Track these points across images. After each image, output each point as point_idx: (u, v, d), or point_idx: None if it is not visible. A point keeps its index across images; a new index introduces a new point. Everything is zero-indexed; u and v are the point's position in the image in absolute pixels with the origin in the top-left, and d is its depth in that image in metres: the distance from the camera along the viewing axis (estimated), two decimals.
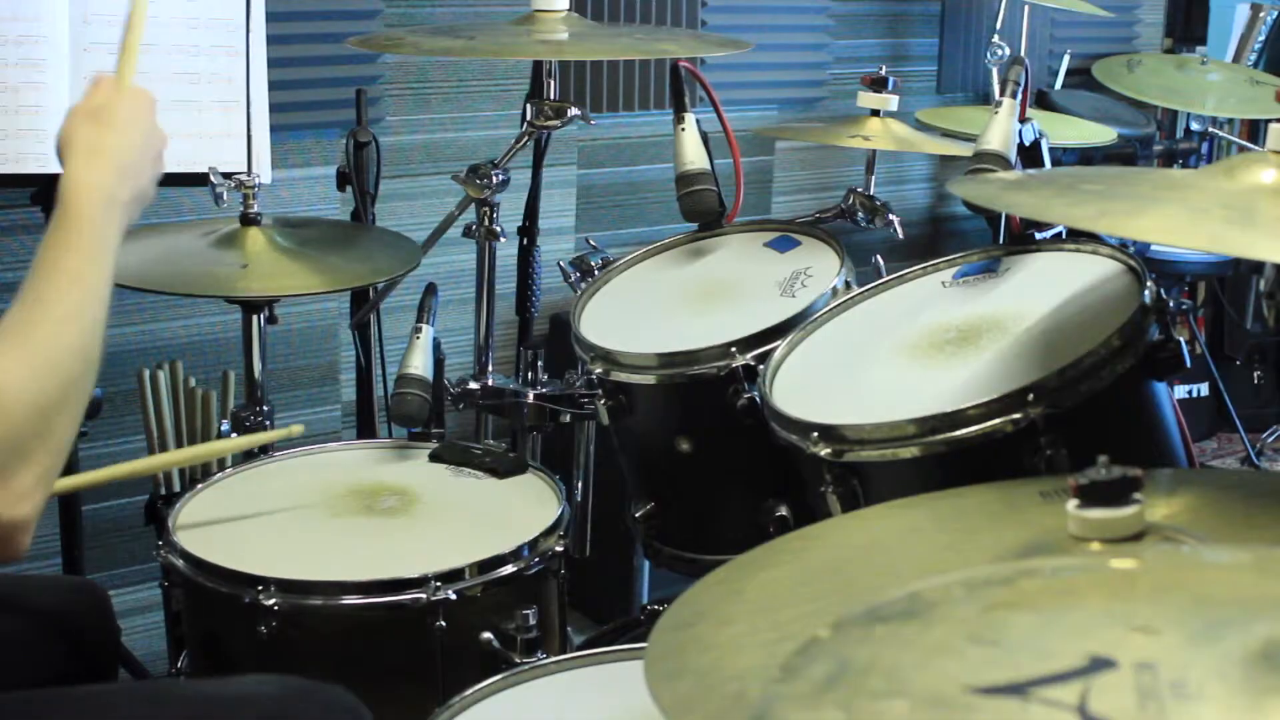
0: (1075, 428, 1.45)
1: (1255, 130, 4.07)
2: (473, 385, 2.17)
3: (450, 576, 1.73)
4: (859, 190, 2.30)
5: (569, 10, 2.15)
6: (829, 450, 1.55)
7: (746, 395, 1.82)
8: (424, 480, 2.01)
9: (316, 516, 1.91)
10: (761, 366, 1.77)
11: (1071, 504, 1.04)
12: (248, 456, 2.17)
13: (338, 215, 2.91)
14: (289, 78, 2.77)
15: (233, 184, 2.16)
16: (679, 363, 1.88)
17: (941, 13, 3.85)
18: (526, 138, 2.19)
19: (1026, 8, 3.50)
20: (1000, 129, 1.86)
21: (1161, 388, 1.57)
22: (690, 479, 1.99)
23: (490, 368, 2.23)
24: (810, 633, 0.81)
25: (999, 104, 1.88)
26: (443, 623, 1.71)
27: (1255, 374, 4.24)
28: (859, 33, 3.72)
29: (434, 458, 2.08)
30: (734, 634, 1.05)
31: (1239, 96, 3.75)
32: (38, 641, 1.81)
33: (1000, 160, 1.84)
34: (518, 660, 1.63)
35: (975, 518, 1.28)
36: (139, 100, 1.48)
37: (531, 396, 2.13)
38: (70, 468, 2.36)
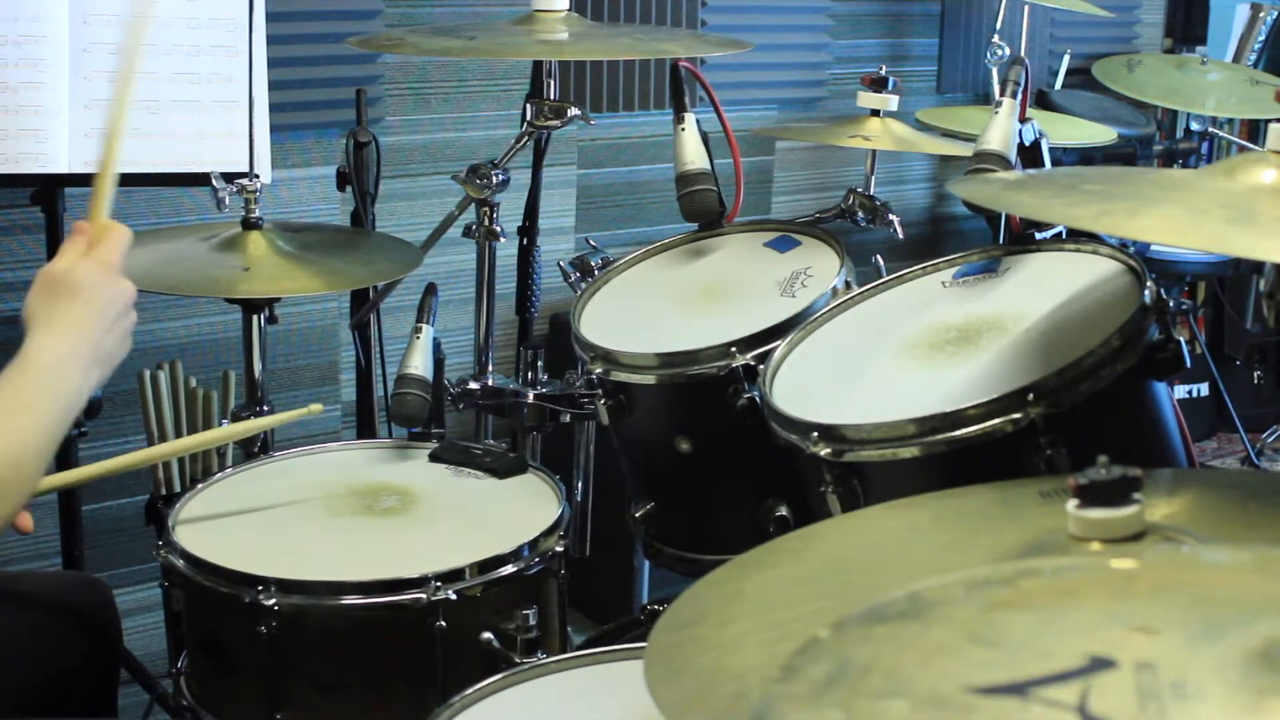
0: (1075, 428, 1.45)
1: (1255, 130, 4.07)
2: (473, 385, 2.17)
3: (450, 576, 1.73)
4: (859, 190, 2.30)
5: (569, 10, 2.15)
6: (829, 450, 1.55)
7: (746, 395, 1.82)
8: (424, 480, 2.01)
9: (316, 516, 1.91)
10: (761, 366, 1.77)
11: (1071, 504, 1.04)
12: (248, 456, 2.17)
13: (338, 215, 2.92)
14: (289, 78, 2.77)
15: (234, 188, 2.16)
16: (679, 363, 1.88)
17: (941, 13, 3.86)
18: (526, 138, 2.19)
19: (1026, 8, 3.50)
20: (1000, 129, 1.86)
21: (1161, 388, 1.57)
22: (690, 479, 1.98)
23: (490, 368, 2.23)
24: (810, 633, 0.81)
25: (999, 104, 1.88)
26: (443, 623, 1.71)
27: (1255, 374, 4.24)
28: (859, 33, 3.72)
29: (434, 458, 2.08)
30: (734, 634, 1.05)
31: (1239, 96, 3.75)
32: (42, 636, 1.81)
33: (1000, 160, 1.84)
34: (518, 660, 1.63)
35: (975, 518, 1.28)
36: (104, 253, 1.43)
37: (531, 396, 2.13)
38: (70, 468, 2.36)
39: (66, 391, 1.36)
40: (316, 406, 1.96)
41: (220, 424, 2.32)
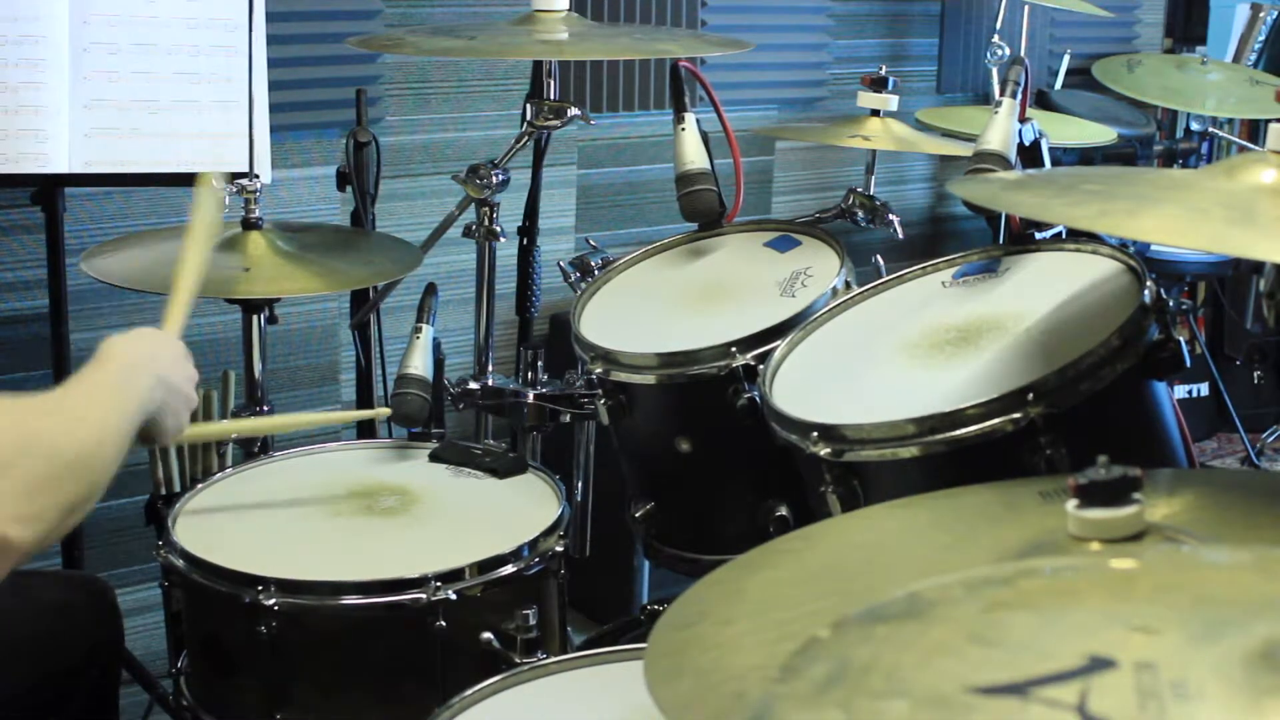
0: (1075, 428, 1.45)
1: (1255, 130, 4.07)
2: (473, 385, 2.17)
3: (450, 576, 1.73)
4: (859, 190, 2.30)
5: (569, 10, 2.15)
6: (829, 450, 1.54)
7: (746, 395, 1.82)
8: (424, 480, 2.01)
9: (316, 516, 1.91)
10: (761, 366, 1.77)
11: (1071, 504, 1.04)
12: (248, 456, 2.17)
13: (338, 215, 2.92)
14: (289, 78, 2.77)
15: (234, 188, 2.16)
16: (679, 363, 1.88)
17: (941, 13, 3.86)
18: (526, 138, 2.19)
19: (1026, 8, 3.50)
20: (1000, 129, 1.86)
21: (1161, 388, 1.57)
22: (690, 479, 1.98)
23: (490, 368, 2.23)
24: (810, 633, 0.81)
25: (999, 104, 1.88)
26: (443, 623, 1.71)
27: (1255, 374, 4.24)
28: (859, 33, 3.72)
29: (434, 458, 2.08)
30: (734, 634, 1.05)
31: (1239, 96, 3.75)
32: (42, 636, 1.81)
33: (1000, 160, 1.84)
34: (518, 660, 1.63)
35: (975, 518, 1.28)
36: (179, 345, 1.59)
37: (531, 396, 2.13)
38: None
39: (141, 388, 1.45)
40: (385, 410, 2.06)
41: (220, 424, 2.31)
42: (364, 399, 2.68)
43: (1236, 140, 3.98)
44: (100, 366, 1.43)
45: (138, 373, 1.46)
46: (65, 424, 1.34)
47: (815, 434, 1.56)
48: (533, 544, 1.82)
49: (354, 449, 2.15)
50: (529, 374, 2.14)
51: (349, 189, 2.56)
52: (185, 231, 1.75)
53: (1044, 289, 1.69)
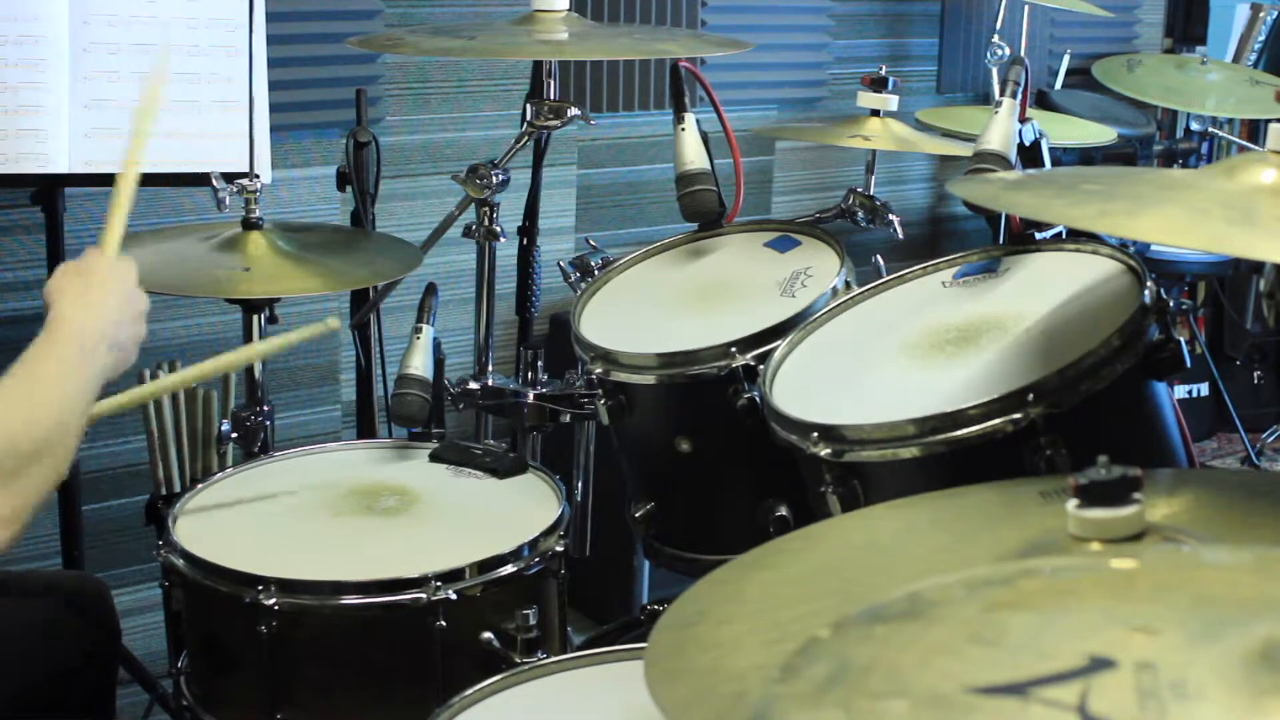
0: (1075, 428, 1.45)
1: (1255, 130, 4.07)
2: (473, 385, 2.17)
3: (450, 576, 1.73)
4: (859, 190, 2.30)
5: (569, 10, 2.15)
6: (829, 450, 1.54)
7: (746, 395, 1.82)
8: (424, 480, 2.01)
9: (316, 516, 1.91)
10: (761, 366, 1.77)
11: (1071, 504, 1.04)
12: (248, 456, 2.17)
13: (338, 215, 2.92)
14: (289, 78, 2.77)
15: (234, 188, 2.16)
16: (679, 363, 1.88)
17: (941, 13, 3.86)
18: (526, 138, 2.19)
19: (1026, 8, 3.50)
20: (1000, 129, 1.86)
21: (1161, 388, 1.57)
22: (690, 479, 1.98)
23: (490, 368, 2.23)
24: (810, 633, 0.81)
25: (999, 104, 1.88)
26: (443, 623, 1.71)
27: (1255, 374, 4.24)
28: (859, 33, 3.72)
29: (434, 458, 2.08)
30: (734, 634, 1.05)
31: (1239, 96, 3.75)
32: (42, 636, 1.81)
33: (1000, 160, 1.83)
34: (518, 660, 1.63)
35: (975, 518, 1.28)
36: (122, 266, 1.57)
37: (531, 396, 2.13)
38: (70, 468, 2.36)
39: (95, 360, 1.44)
40: (335, 321, 1.97)
41: (221, 424, 2.31)
42: (364, 399, 2.68)
43: (1236, 140, 3.98)
44: (53, 341, 1.43)
45: (92, 344, 1.45)
46: (26, 416, 1.34)
47: (815, 434, 1.56)
48: (533, 544, 1.82)
49: (354, 449, 2.15)
50: (529, 374, 2.14)
51: (349, 189, 2.56)
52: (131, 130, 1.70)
53: (1044, 289, 1.69)
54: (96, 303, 1.48)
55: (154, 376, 2.45)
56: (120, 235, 1.62)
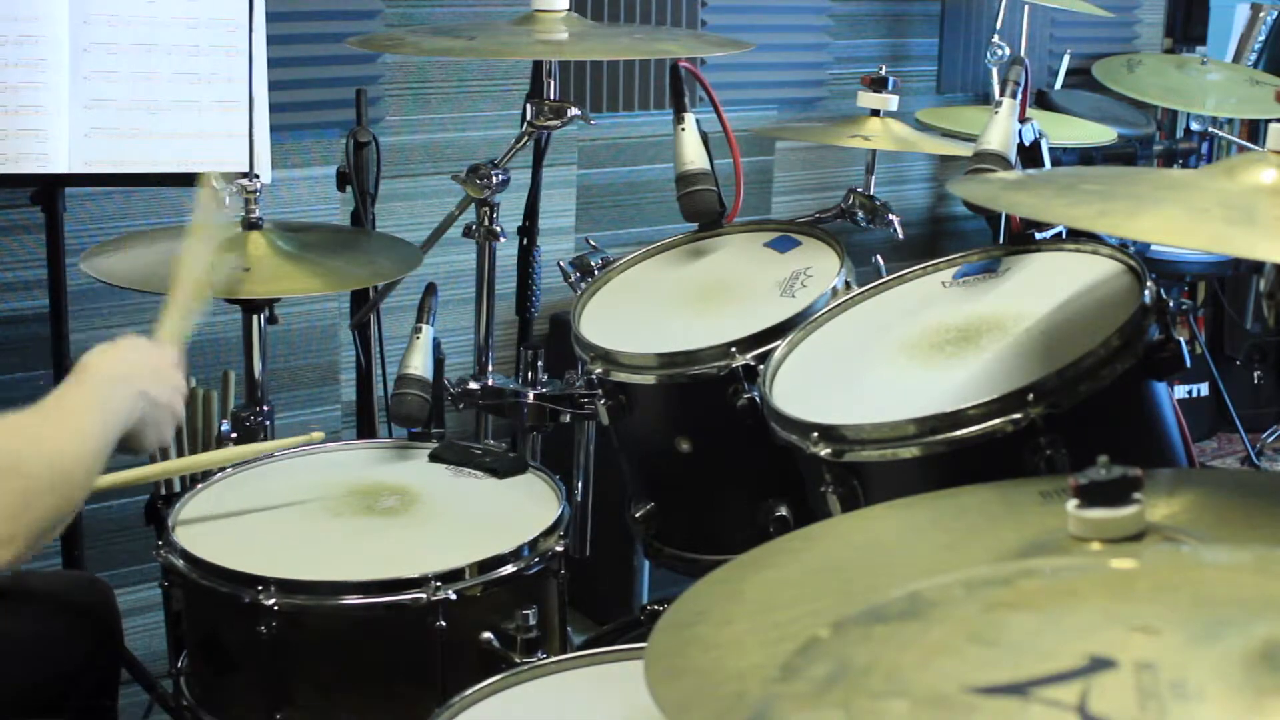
0: (1075, 428, 1.45)
1: (1255, 130, 4.07)
2: (473, 385, 2.17)
3: (450, 576, 1.73)
4: (859, 190, 2.30)
5: (569, 10, 2.15)
6: (829, 450, 1.55)
7: (746, 395, 1.82)
8: (424, 480, 2.01)
9: (316, 516, 1.91)
10: (761, 366, 1.77)
11: (1071, 504, 1.04)
12: None
13: (338, 215, 2.92)
14: (289, 78, 2.77)
15: (234, 188, 2.16)
16: (679, 363, 1.88)
17: (941, 13, 3.86)
18: (526, 138, 2.19)
19: (1026, 8, 3.50)
20: (1000, 129, 1.86)
21: (1161, 388, 1.57)
22: (690, 479, 1.99)
23: (490, 368, 2.23)
24: (810, 633, 0.81)
25: (999, 104, 1.88)
26: (443, 623, 1.71)
27: (1255, 374, 4.24)
28: (859, 33, 3.72)
29: (434, 458, 2.08)
30: (734, 634, 1.05)
31: (1239, 96, 3.75)
32: (42, 636, 1.81)
33: (1000, 160, 1.84)
34: (518, 660, 1.63)
35: (975, 518, 1.28)
36: (167, 348, 1.62)
37: (531, 396, 2.13)
38: None
39: (119, 401, 1.46)
40: (318, 435, 2.04)
41: (220, 424, 2.31)
42: (364, 399, 2.68)
43: (1236, 140, 3.98)
44: (78, 381, 1.45)
45: (116, 387, 1.47)
46: (42, 444, 1.35)
47: (815, 434, 1.56)
48: (533, 544, 1.82)
49: (354, 449, 2.15)
50: (529, 374, 2.14)
51: (349, 189, 2.56)
52: (185, 234, 1.75)
53: (1044, 289, 1.69)
54: (128, 361, 1.51)
55: None
56: (181, 327, 1.68)
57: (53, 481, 1.34)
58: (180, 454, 2.47)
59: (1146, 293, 1.53)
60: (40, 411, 1.39)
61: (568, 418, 2.13)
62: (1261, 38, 4.07)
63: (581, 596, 2.20)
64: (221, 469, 2.09)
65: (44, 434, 1.37)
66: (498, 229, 2.21)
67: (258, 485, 2.01)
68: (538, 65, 2.31)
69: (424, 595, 1.70)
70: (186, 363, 1.61)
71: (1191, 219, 1.20)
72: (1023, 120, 1.91)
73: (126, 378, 1.49)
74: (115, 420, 1.45)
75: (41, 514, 1.33)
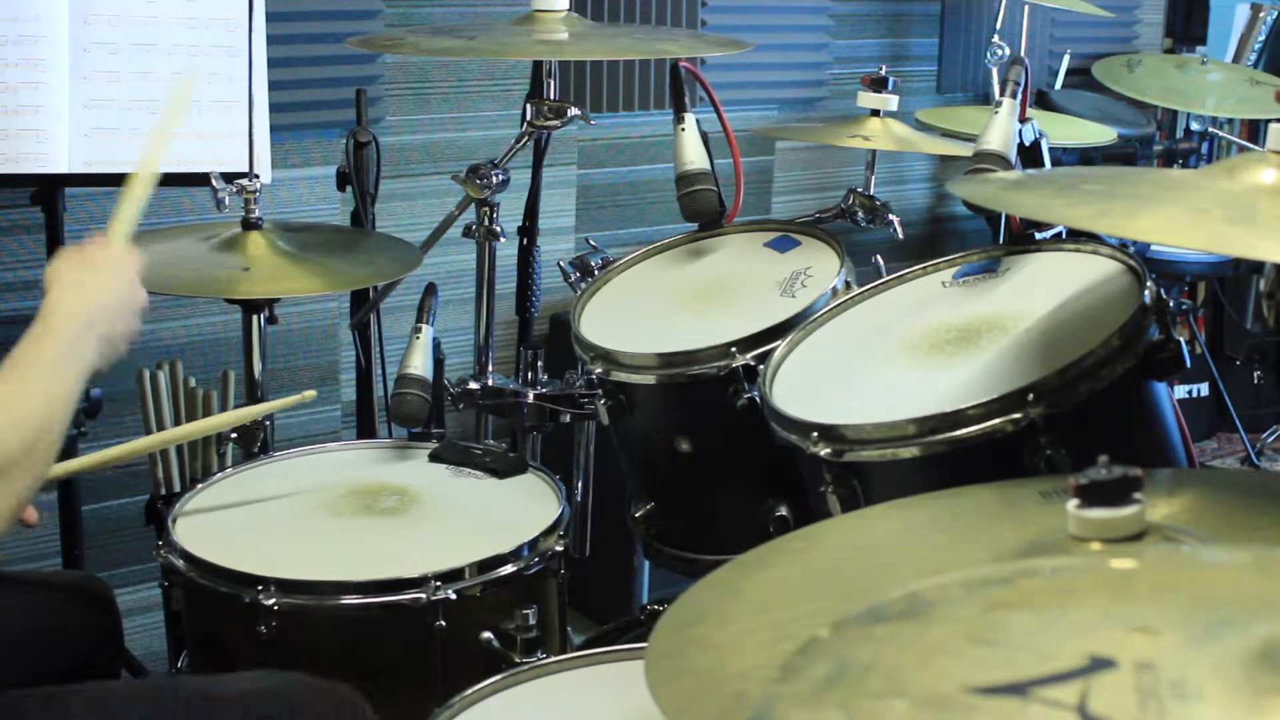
0: (1075, 428, 1.45)
1: (1255, 130, 4.07)
2: (473, 385, 2.17)
3: (450, 576, 1.73)
4: (859, 190, 2.30)
5: (569, 10, 2.15)
6: (829, 450, 1.55)
7: (746, 395, 1.82)
8: (424, 480, 2.01)
9: (316, 516, 1.91)
10: (761, 366, 1.77)
11: (1071, 504, 1.04)
12: (248, 456, 2.17)
13: (338, 215, 2.92)
14: (289, 78, 2.77)
15: (234, 188, 2.16)
16: (679, 363, 1.88)
17: (941, 13, 3.85)
18: (526, 138, 2.19)
19: (1026, 8, 3.50)
20: (1000, 129, 1.86)
21: (1161, 388, 1.57)
22: (690, 479, 1.99)
23: (490, 368, 2.23)
24: (810, 633, 0.81)
25: (999, 104, 1.88)
26: (443, 623, 1.71)
27: (1255, 374, 4.24)
28: (859, 33, 3.72)
29: (434, 458, 2.08)
30: (734, 634, 1.05)
31: (1239, 96, 3.75)
32: (42, 636, 1.81)
33: (1000, 160, 1.84)
34: (518, 660, 1.63)
35: (975, 518, 1.28)
36: (125, 257, 1.57)
37: (531, 396, 2.13)
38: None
39: (84, 355, 1.44)
40: (310, 393, 2.01)
41: None
42: (364, 399, 2.68)
43: (1236, 140, 3.98)
44: (45, 336, 1.42)
45: (82, 339, 1.44)
46: (13, 420, 1.34)
47: (815, 434, 1.56)
48: (533, 544, 1.82)
49: (354, 449, 2.15)
50: (529, 374, 2.14)
51: (349, 189, 2.56)
52: (155, 124, 1.73)
53: (1044, 289, 1.69)
54: (92, 291, 1.48)
55: (153, 377, 2.46)
56: (130, 227, 1.62)
57: (26, 457, 1.33)
58: (180, 454, 2.48)
59: (1146, 293, 1.53)
60: (9, 383, 1.37)
61: (568, 418, 2.13)
62: (1261, 38, 4.07)
63: (581, 596, 2.21)
64: (221, 469, 2.10)
65: (16, 407, 1.35)
66: (498, 229, 2.21)
67: (258, 485, 2.01)
68: (538, 65, 2.31)
69: (424, 595, 1.70)
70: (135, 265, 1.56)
71: (1191, 219, 1.20)
72: (1023, 120, 1.91)
73: (92, 320, 1.45)
74: (81, 377, 1.43)
75: (16, 492, 1.32)
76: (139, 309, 1.54)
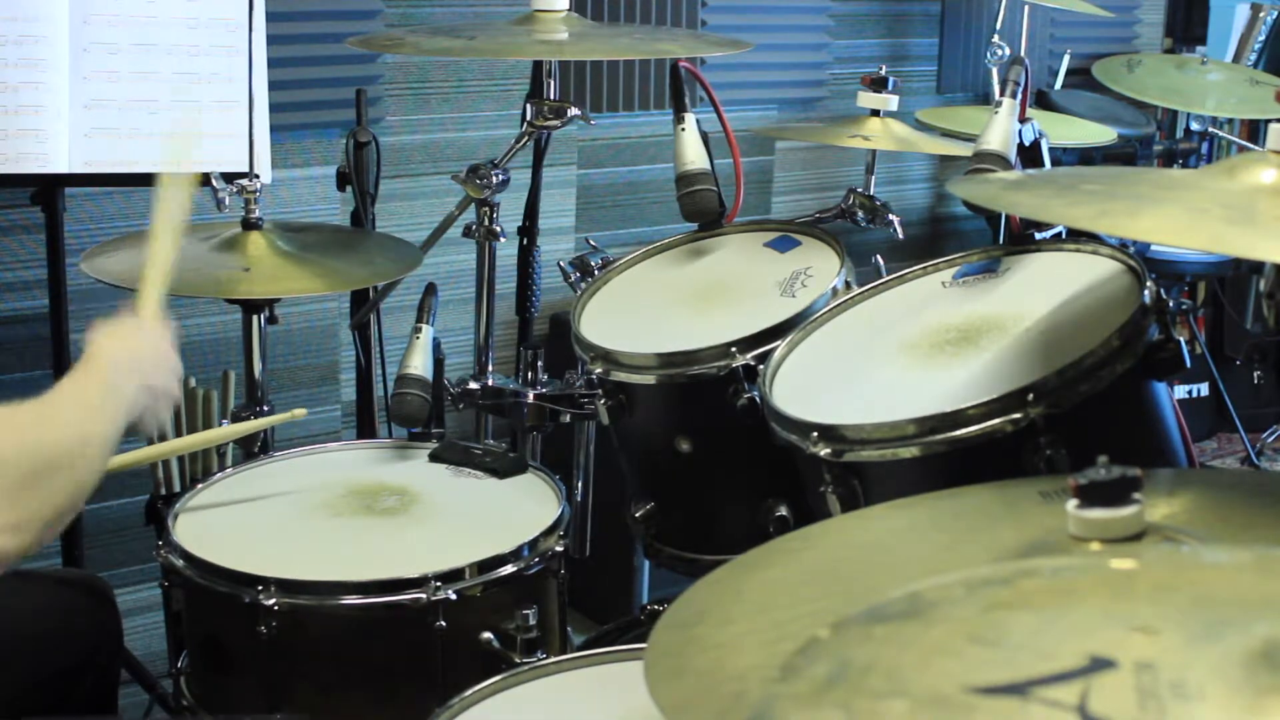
0: (1075, 428, 1.45)
1: (1255, 130, 4.07)
2: (473, 385, 2.17)
3: (450, 576, 1.73)
4: (859, 190, 2.30)
5: (569, 10, 2.15)
6: (829, 450, 1.55)
7: (746, 395, 1.82)
8: (424, 480, 2.01)
9: (316, 516, 1.91)
10: (761, 366, 1.77)
11: (1071, 504, 1.04)
12: (248, 456, 2.17)
13: (338, 215, 2.92)
14: (289, 78, 2.77)
15: (234, 188, 2.16)
16: (679, 363, 1.88)
17: (941, 13, 3.86)
18: (526, 138, 2.19)
19: (1026, 8, 3.50)
20: (1000, 129, 1.86)
21: (1161, 388, 1.57)
22: (690, 479, 1.98)
23: (490, 368, 2.23)
24: (810, 633, 0.81)
25: (999, 104, 1.88)
26: (443, 623, 1.71)
27: (1255, 374, 4.24)
28: (859, 33, 3.72)
29: (434, 458, 2.08)
30: (734, 634, 1.05)
31: (1239, 96, 3.75)
32: (42, 636, 1.81)
33: (1000, 160, 1.83)
34: (518, 660, 1.63)
35: (975, 518, 1.28)
36: (159, 326, 1.62)
37: (531, 396, 2.13)
38: None
39: (124, 388, 1.48)
40: (301, 411, 2.05)
41: (220, 424, 2.31)
42: (364, 399, 2.68)
43: (1236, 140, 3.98)
44: (88, 370, 1.46)
45: (123, 377, 1.48)
46: (50, 431, 1.36)
47: (815, 434, 1.56)
48: (533, 544, 1.82)
49: (354, 449, 2.15)
50: (529, 374, 2.14)
51: (349, 189, 2.56)
52: (153, 216, 1.76)
53: (1044, 289, 1.69)
54: (133, 344, 1.53)
55: None
56: (159, 296, 1.66)
57: (61, 470, 1.35)
58: (180, 459, 2.48)
59: (1146, 293, 1.53)
60: (51, 401, 1.41)
61: (568, 418, 2.13)
62: (1261, 38, 4.07)
63: (581, 596, 2.21)
64: (221, 469, 2.10)
65: (54, 423, 1.38)
66: (498, 229, 2.21)
67: (258, 485, 2.01)
68: (538, 65, 2.31)
69: (424, 595, 1.70)
70: (178, 340, 1.62)
71: (1191, 219, 1.20)
72: (1023, 120, 1.91)
73: (133, 368, 1.50)
74: (123, 411, 1.46)
75: (50, 504, 1.34)
76: (175, 371, 1.58)
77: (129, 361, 1.50)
